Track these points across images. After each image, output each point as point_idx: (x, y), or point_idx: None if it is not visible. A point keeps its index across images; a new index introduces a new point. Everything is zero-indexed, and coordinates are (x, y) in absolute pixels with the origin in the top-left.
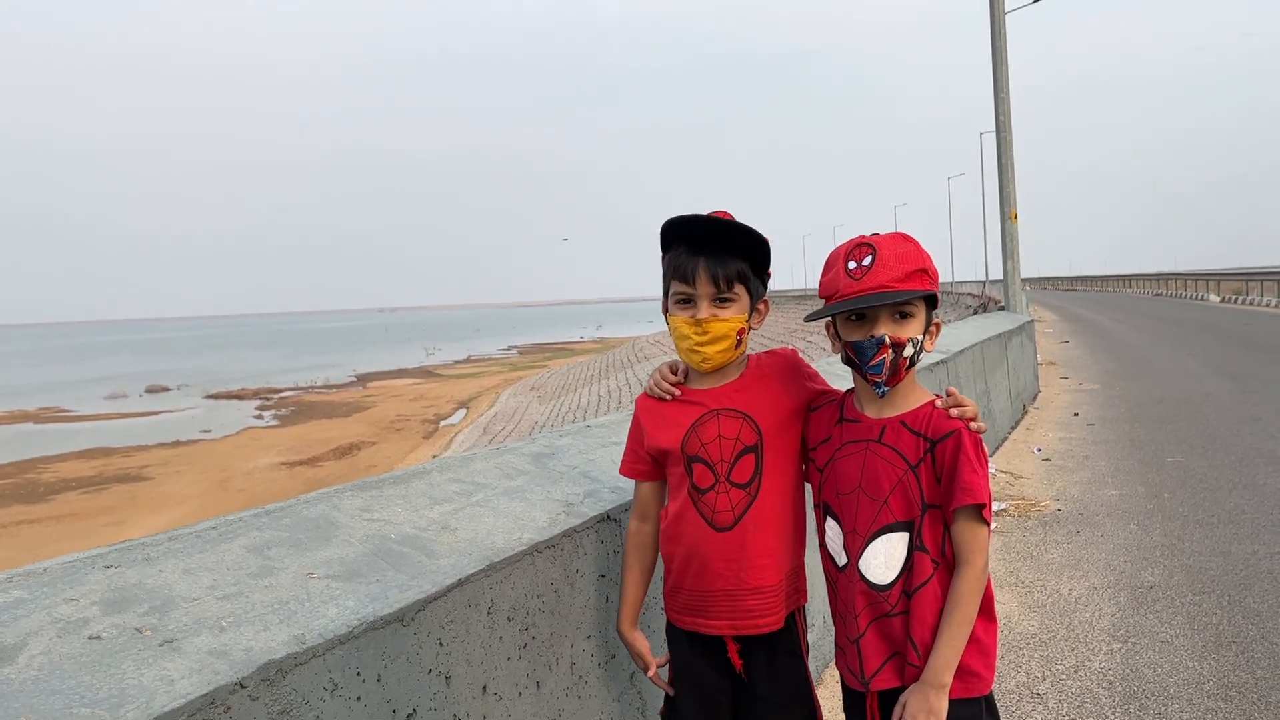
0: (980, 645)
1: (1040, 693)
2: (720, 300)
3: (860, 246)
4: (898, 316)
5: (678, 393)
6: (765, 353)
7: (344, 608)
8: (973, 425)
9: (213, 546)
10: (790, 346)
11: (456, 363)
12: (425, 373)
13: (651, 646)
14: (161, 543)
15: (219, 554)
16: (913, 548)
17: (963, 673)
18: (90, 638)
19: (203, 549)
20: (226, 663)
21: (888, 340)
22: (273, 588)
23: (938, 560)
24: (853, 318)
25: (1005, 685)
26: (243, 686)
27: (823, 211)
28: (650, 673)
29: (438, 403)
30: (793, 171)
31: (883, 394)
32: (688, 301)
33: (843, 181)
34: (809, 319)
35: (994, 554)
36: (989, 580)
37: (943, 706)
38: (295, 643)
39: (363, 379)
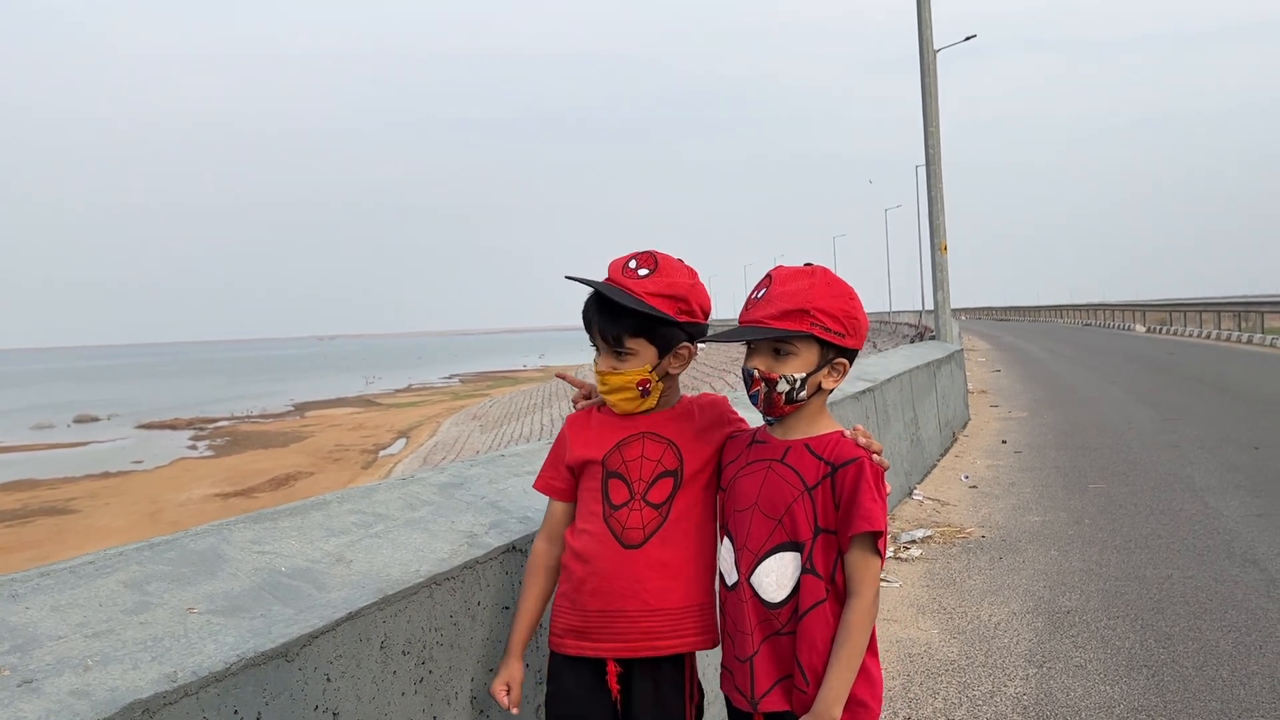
0: (868, 675)
1: (956, 718)
2: (617, 354)
3: (765, 277)
4: (775, 353)
5: (581, 395)
6: (697, 397)
7: (222, 644)
8: (875, 458)
9: (87, 582)
10: (721, 394)
11: (397, 391)
12: (365, 401)
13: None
14: (32, 578)
15: (93, 590)
16: (803, 569)
17: (850, 703)
18: None
19: (75, 585)
20: (88, 703)
21: (757, 374)
22: (148, 624)
23: (829, 586)
24: (748, 345)
25: (922, 711)
26: None
27: (765, 240)
28: (506, 699)
29: (377, 432)
30: (735, 200)
31: (769, 423)
32: (597, 349)
33: (782, 211)
34: (701, 341)
35: (918, 580)
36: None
37: None
38: (166, 681)
39: (300, 408)
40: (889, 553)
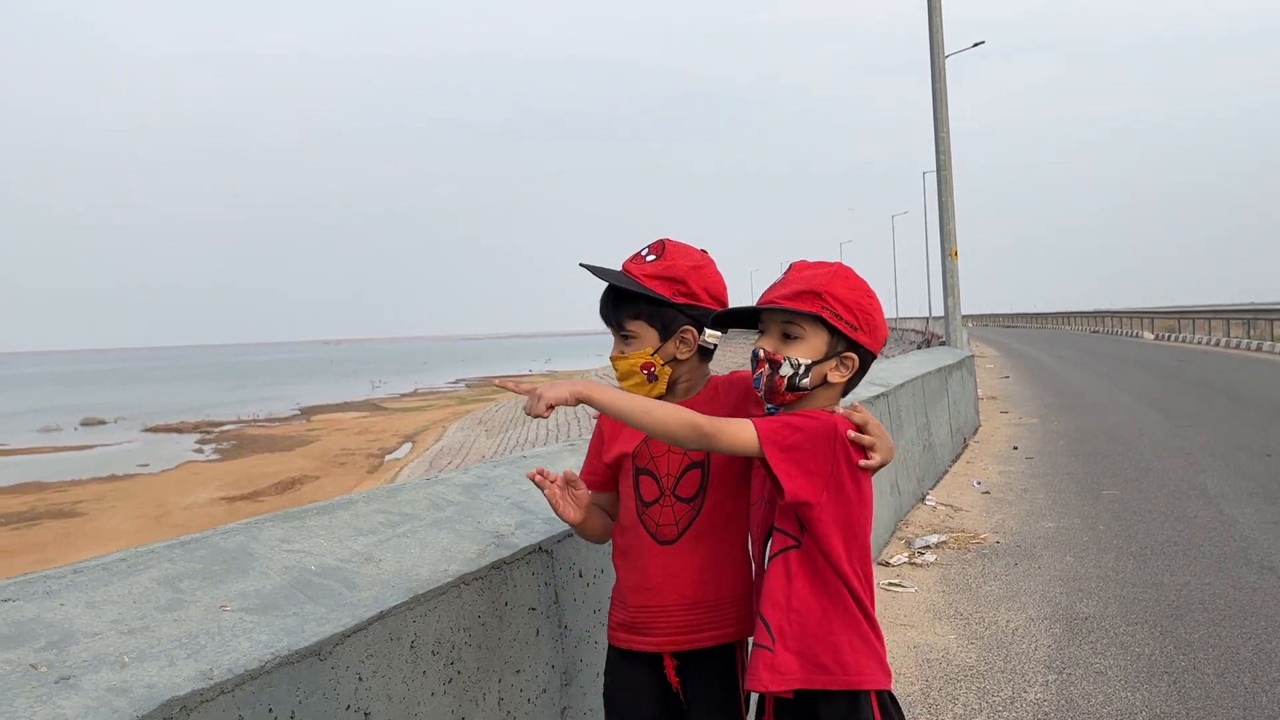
0: (862, 639)
1: None
2: (624, 339)
3: (787, 268)
4: (784, 336)
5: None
6: (726, 375)
7: (257, 641)
8: (852, 434)
9: (120, 579)
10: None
11: (403, 395)
12: (371, 406)
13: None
14: (65, 575)
15: (126, 586)
16: (775, 528)
17: (830, 664)
18: None
19: (109, 581)
20: (126, 700)
21: (761, 355)
22: (182, 621)
23: (797, 537)
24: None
25: (942, 717)
26: None
27: (771, 245)
28: (547, 482)
29: (383, 436)
30: (740, 203)
31: (770, 412)
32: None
33: (789, 216)
34: (710, 322)
35: (934, 585)
36: (870, 585)
37: (565, 391)
38: (202, 678)
39: (306, 412)
40: (903, 558)
